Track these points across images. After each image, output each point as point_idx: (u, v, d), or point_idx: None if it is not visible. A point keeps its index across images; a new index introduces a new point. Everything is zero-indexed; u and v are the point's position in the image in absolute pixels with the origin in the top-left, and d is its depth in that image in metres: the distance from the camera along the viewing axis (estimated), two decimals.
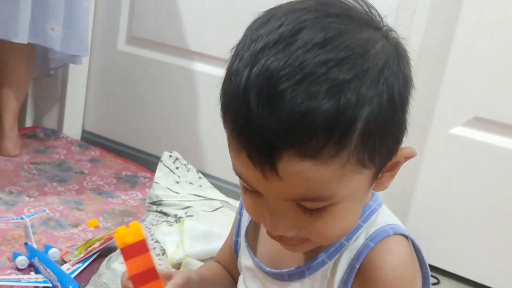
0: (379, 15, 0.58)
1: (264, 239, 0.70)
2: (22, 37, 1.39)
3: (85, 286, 1.04)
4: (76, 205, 1.39)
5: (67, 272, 1.05)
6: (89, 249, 1.13)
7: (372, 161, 0.54)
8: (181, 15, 1.63)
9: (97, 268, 1.09)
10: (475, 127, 1.29)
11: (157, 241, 1.17)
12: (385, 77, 0.53)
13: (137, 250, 0.65)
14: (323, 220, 0.56)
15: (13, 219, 1.20)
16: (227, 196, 1.42)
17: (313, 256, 0.65)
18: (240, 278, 0.76)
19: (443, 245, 1.34)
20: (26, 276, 1.05)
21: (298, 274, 0.66)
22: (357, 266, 0.62)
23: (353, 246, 0.63)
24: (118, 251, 1.08)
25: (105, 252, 1.13)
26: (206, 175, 1.52)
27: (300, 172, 0.51)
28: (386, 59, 0.54)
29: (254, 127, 0.51)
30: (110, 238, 1.14)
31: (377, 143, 0.54)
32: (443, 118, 1.31)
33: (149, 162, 1.67)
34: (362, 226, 0.63)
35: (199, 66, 1.62)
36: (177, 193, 1.37)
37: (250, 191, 0.58)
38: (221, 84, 0.56)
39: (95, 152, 1.73)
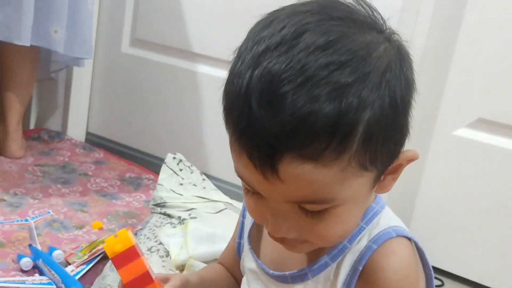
0: (382, 17, 0.58)
1: (267, 241, 0.70)
2: (25, 39, 1.39)
3: (89, 287, 1.04)
4: (80, 207, 1.39)
5: (71, 274, 1.06)
6: (93, 251, 1.13)
7: (373, 164, 0.54)
8: (184, 17, 1.63)
9: (101, 270, 1.09)
10: (479, 129, 1.29)
11: (160, 243, 1.17)
12: (387, 80, 0.53)
13: (127, 257, 0.66)
14: (324, 223, 0.56)
15: (17, 221, 1.20)
16: (231, 198, 1.42)
17: (316, 259, 0.65)
18: (244, 280, 0.76)
19: (447, 247, 1.34)
20: (30, 278, 1.06)
21: (301, 277, 0.66)
22: (360, 268, 0.62)
23: (356, 248, 0.62)
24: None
25: None
26: (209, 177, 1.52)
27: (301, 174, 0.52)
28: (388, 62, 0.54)
29: (255, 129, 0.51)
30: None
31: (378, 146, 0.54)
32: (447, 119, 1.31)
33: (153, 164, 1.67)
34: (365, 228, 0.63)
35: (203, 68, 1.62)
36: (181, 195, 1.37)
37: (252, 192, 0.58)
38: (224, 86, 0.56)
39: (99, 154, 1.73)
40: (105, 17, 1.77)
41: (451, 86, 1.30)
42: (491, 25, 1.24)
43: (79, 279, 1.05)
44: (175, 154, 1.46)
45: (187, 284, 0.73)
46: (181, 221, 1.25)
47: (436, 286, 1.29)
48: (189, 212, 1.29)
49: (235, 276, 0.82)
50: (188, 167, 1.46)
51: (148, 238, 1.19)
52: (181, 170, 1.44)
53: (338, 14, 0.54)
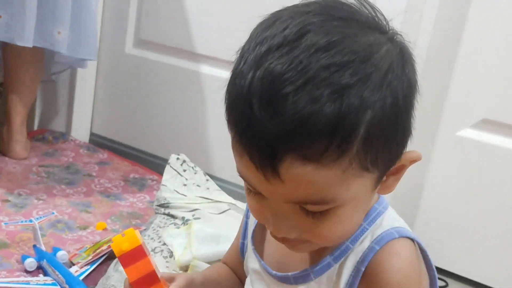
0: (385, 18, 0.57)
1: (271, 242, 0.70)
2: (27, 40, 1.39)
3: None
4: (84, 207, 1.39)
5: (75, 274, 1.06)
6: (97, 251, 1.13)
7: (375, 165, 0.54)
8: (188, 18, 1.63)
9: (105, 271, 1.09)
10: (483, 129, 1.28)
11: (164, 244, 1.17)
12: (389, 81, 0.53)
13: (134, 256, 0.66)
14: (325, 223, 0.57)
15: (22, 221, 1.21)
16: (234, 198, 1.42)
17: (319, 259, 0.65)
18: (247, 281, 0.76)
19: (451, 247, 1.34)
20: (34, 278, 1.06)
21: (304, 277, 0.66)
22: (363, 269, 0.62)
23: (359, 249, 0.62)
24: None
25: (113, 254, 1.13)
26: (213, 177, 1.52)
27: (301, 175, 0.52)
28: (390, 63, 0.53)
29: (256, 130, 0.51)
30: None
31: (380, 148, 0.54)
32: (451, 120, 1.31)
33: (156, 165, 1.67)
34: (367, 229, 0.63)
35: (206, 69, 1.62)
36: (185, 195, 1.37)
37: (254, 192, 0.58)
38: (226, 86, 0.56)
39: (103, 155, 1.74)
40: (109, 18, 1.77)
41: (455, 86, 1.29)
42: (495, 25, 1.23)
43: (83, 279, 1.06)
44: (178, 154, 1.47)
45: (192, 284, 0.73)
46: (185, 221, 1.25)
47: (440, 287, 1.29)
48: (192, 212, 1.29)
49: (238, 275, 0.82)
50: (192, 167, 1.46)
51: (152, 238, 1.19)
52: (184, 170, 1.44)
53: (340, 15, 0.54)
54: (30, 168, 1.57)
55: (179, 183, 1.40)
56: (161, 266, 1.09)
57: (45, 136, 1.79)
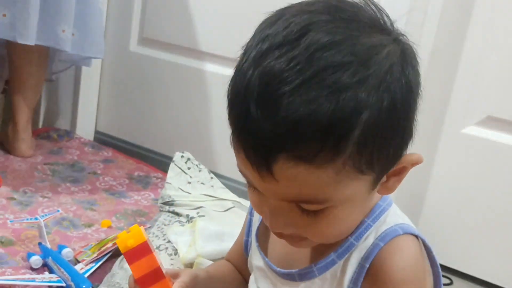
0: (390, 19, 0.57)
1: (275, 239, 0.70)
2: (30, 39, 1.39)
3: (98, 285, 1.05)
4: (89, 205, 1.40)
5: (81, 272, 1.06)
6: (102, 249, 1.13)
7: (370, 168, 0.54)
8: (192, 16, 1.63)
9: (110, 268, 1.09)
10: (488, 127, 1.28)
11: (169, 241, 1.17)
12: (387, 83, 0.52)
13: (139, 252, 0.66)
14: (320, 222, 0.57)
15: (27, 219, 1.21)
16: (239, 196, 1.42)
17: (323, 256, 0.65)
18: (252, 278, 0.76)
19: (456, 245, 1.33)
20: (40, 276, 1.06)
21: (308, 274, 0.66)
22: (367, 266, 0.62)
23: (363, 246, 0.63)
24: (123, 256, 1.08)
25: (118, 252, 1.14)
26: (217, 175, 1.52)
27: (294, 175, 0.52)
28: (390, 65, 0.53)
29: (252, 129, 0.52)
30: None
31: (375, 151, 0.53)
32: (455, 117, 1.31)
33: (161, 163, 1.68)
34: (371, 226, 0.63)
35: (210, 67, 1.62)
36: (189, 193, 1.37)
37: (253, 187, 0.58)
38: (229, 81, 0.56)
39: (107, 153, 1.74)
40: (113, 16, 1.77)
41: (460, 83, 1.29)
42: (500, 22, 1.23)
43: (88, 277, 1.06)
44: (183, 152, 1.47)
45: (196, 280, 0.73)
46: (189, 219, 1.25)
47: (445, 284, 1.28)
48: (197, 210, 1.29)
49: (242, 272, 0.82)
50: (196, 165, 1.46)
51: (156, 236, 1.20)
52: (189, 168, 1.44)
53: (344, 15, 0.54)
54: (35, 166, 1.58)
55: (184, 181, 1.41)
56: (166, 263, 1.09)
57: (50, 134, 1.79)
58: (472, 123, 1.29)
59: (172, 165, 1.43)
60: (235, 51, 0.57)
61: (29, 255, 1.11)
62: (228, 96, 0.56)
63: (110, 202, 1.43)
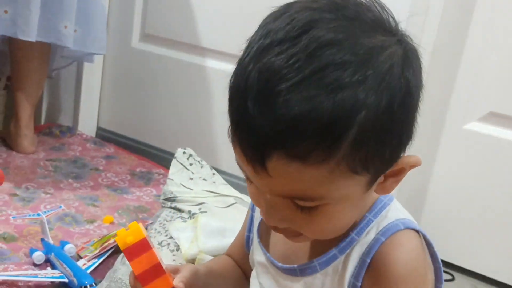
0: (394, 20, 0.56)
1: (276, 235, 0.70)
2: (31, 35, 1.39)
3: (100, 281, 1.05)
4: (92, 201, 1.40)
5: (83, 268, 1.07)
6: (104, 245, 1.14)
7: (365, 168, 0.54)
8: (194, 12, 1.63)
9: (113, 264, 1.10)
10: (490, 123, 1.28)
11: (171, 237, 1.17)
12: (386, 84, 0.52)
13: (139, 249, 0.67)
14: (315, 218, 0.57)
15: (29, 215, 1.21)
16: (241, 192, 1.42)
17: (325, 251, 0.65)
18: (253, 273, 0.76)
19: (457, 241, 1.33)
20: (42, 272, 1.07)
21: (310, 269, 0.66)
22: (368, 261, 0.62)
23: (364, 241, 0.63)
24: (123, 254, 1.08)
25: (119, 248, 1.14)
26: (219, 171, 1.52)
27: (288, 172, 0.52)
28: (390, 67, 0.52)
29: (248, 124, 0.52)
30: None
31: (370, 152, 0.53)
32: (457, 113, 1.31)
33: (163, 159, 1.68)
34: (373, 221, 0.63)
35: (212, 63, 1.62)
36: (191, 189, 1.37)
37: (250, 181, 0.59)
38: (231, 74, 0.56)
39: (109, 149, 1.74)
40: (115, 12, 1.77)
41: (461, 79, 1.29)
42: (502, 18, 1.23)
43: (90, 272, 1.06)
44: (185, 148, 1.47)
45: (196, 275, 0.73)
46: (191, 215, 1.25)
47: (446, 280, 1.28)
48: (199, 206, 1.29)
49: (242, 268, 0.82)
50: (198, 161, 1.46)
51: (158, 232, 1.20)
52: (191, 164, 1.44)
53: (348, 14, 0.54)
54: (37, 162, 1.58)
55: (186, 177, 1.41)
56: (168, 259, 1.09)
57: (52, 131, 1.79)
58: (474, 119, 1.29)
59: (174, 161, 1.43)
60: (237, 48, 0.57)
61: (32, 251, 1.12)
62: (229, 89, 0.56)
63: (112, 198, 1.43)
